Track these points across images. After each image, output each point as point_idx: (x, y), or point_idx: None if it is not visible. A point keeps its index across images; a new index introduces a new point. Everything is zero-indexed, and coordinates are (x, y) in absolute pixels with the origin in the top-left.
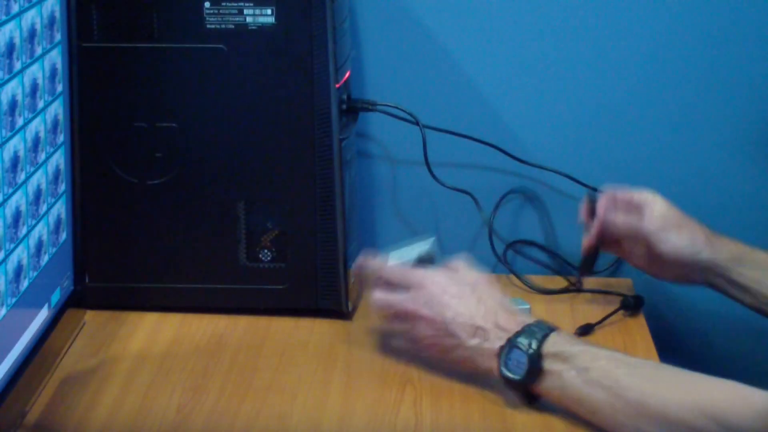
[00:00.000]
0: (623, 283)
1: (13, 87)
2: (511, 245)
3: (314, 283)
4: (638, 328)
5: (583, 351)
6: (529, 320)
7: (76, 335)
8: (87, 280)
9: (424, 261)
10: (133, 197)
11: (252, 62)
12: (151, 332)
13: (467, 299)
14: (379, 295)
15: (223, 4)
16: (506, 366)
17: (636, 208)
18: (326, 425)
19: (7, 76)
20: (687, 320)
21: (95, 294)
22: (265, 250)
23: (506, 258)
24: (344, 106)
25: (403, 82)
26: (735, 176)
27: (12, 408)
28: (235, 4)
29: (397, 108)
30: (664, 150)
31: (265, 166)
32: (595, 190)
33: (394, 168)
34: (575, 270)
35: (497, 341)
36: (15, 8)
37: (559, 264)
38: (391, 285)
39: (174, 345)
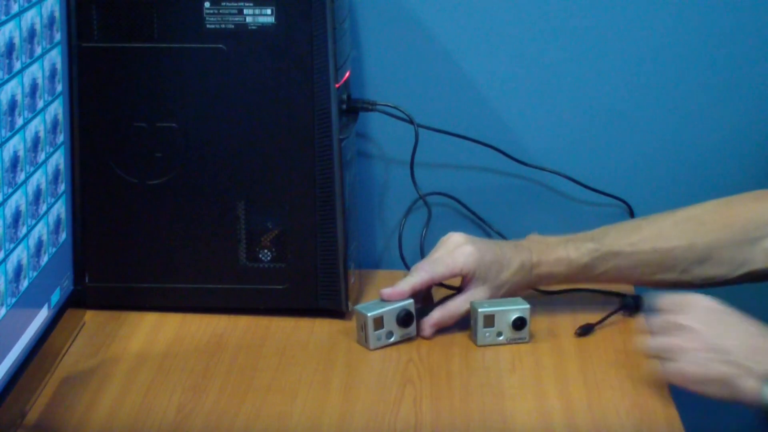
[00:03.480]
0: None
1: (13, 87)
2: None
3: (314, 283)
4: (638, 328)
5: None
6: None
7: (76, 335)
8: (87, 280)
9: (403, 324)
10: (133, 197)
11: (252, 62)
12: (151, 332)
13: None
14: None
15: (223, 4)
16: None
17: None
18: (326, 425)
19: (7, 76)
20: None
21: (95, 294)
22: (265, 250)
23: None
24: (344, 106)
25: (402, 82)
26: (735, 176)
27: (12, 408)
28: (235, 4)
29: (396, 108)
30: (664, 151)
31: (265, 166)
32: (595, 191)
33: (394, 168)
34: None
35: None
36: (15, 8)
37: None
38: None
39: (174, 345)
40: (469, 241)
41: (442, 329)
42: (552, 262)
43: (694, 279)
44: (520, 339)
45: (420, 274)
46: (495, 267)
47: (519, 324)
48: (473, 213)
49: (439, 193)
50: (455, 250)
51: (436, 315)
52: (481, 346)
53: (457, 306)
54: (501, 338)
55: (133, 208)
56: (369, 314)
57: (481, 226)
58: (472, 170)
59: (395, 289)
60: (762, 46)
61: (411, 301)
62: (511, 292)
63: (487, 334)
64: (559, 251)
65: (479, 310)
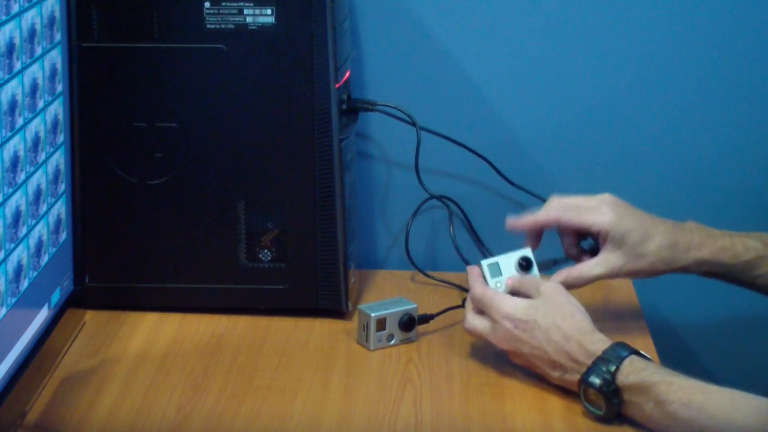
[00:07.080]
0: (623, 284)
1: (13, 87)
2: None
3: (314, 283)
4: (638, 327)
5: (659, 381)
6: (603, 345)
7: (76, 335)
8: (87, 280)
9: (523, 268)
10: (133, 197)
11: (252, 62)
12: (151, 332)
13: (538, 332)
14: (469, 322)
15: (223, 4)
16: (587, 400)
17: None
18: (326, 425)
19: (7, 76)
20: (687, 320)
21: (95, 294)
22: (265, 250)
23: None
24: (344, 106)
25: (403, 83)
26: (735, 177)
27: (12, 408)
28: (235, 4)
29: (396, 108)
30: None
31: (265, 166)
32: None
33: (393, 168)
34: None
35: (575, 374)
36: (15, 8)
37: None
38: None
39: (174, 345)
40: (614, 203)
41: (443, 329)
42: (717, 249)
43: None
44: (409, 339)
45: (549, 212)
46: (635, 235)
47: (409, 324)
48: (467, 218)
49: (438, 196)
50: (595, 205)
51: (565, 272)
52: (374, 350)
53: (589, 268)
54: (392, 342)
55: (133, 208)
56: (372, 314)
57: (470, 232)
58: (467, 175)
59: (521, 219)
60: (761, 47)
61: (415, 306)
62: (655, 267)
63: (380, 338)
64: (725, 241)
65: (372, 315)
